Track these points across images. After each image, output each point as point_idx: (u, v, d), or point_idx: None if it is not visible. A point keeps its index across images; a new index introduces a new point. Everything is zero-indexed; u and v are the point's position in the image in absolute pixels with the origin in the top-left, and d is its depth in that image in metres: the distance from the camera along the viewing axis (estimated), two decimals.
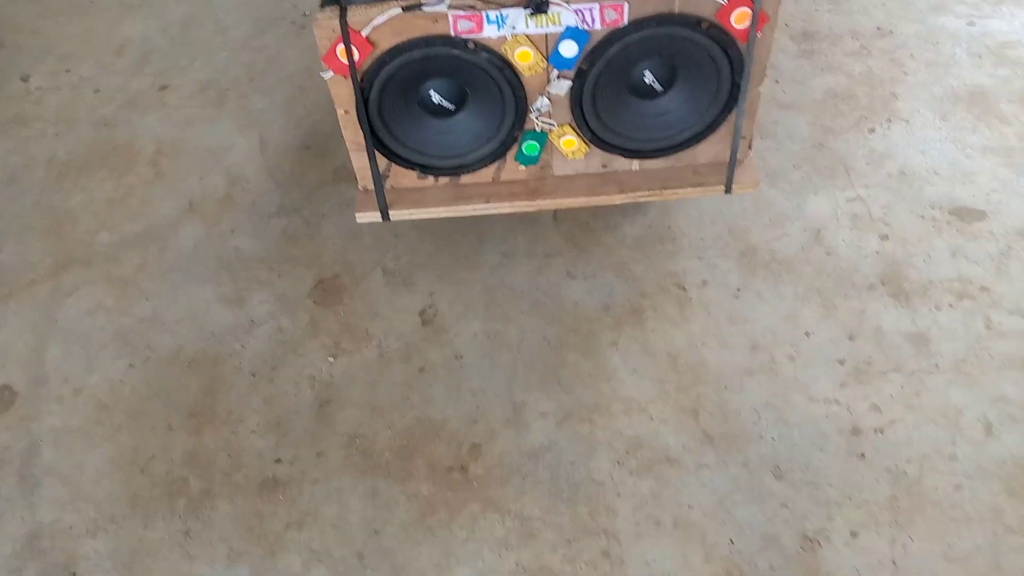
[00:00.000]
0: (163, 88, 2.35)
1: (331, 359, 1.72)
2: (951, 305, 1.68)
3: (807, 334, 1.66)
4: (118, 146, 2.21)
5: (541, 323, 1.74)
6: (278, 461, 1.59)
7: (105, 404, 1.71)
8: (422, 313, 1.78)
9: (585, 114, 1.62)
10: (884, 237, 1.81)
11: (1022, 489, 1.44)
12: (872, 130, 2.03)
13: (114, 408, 1.70)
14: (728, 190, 1.70)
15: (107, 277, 1.92)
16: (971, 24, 2.28)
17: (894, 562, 1.38)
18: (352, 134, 1.63)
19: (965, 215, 1.83)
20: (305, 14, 2.53)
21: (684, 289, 1.76)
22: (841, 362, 1.61)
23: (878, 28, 2.30)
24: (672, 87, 1.61)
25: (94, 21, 2.59)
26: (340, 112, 1.60)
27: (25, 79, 2.42)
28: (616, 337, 1.70)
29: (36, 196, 2.11)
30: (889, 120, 2.05)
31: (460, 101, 1.62)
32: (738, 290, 1.75)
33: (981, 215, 1.83)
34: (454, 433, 1.59)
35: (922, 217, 1.84)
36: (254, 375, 1.72)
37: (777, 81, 2.17)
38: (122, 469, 1.62)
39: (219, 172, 2.11)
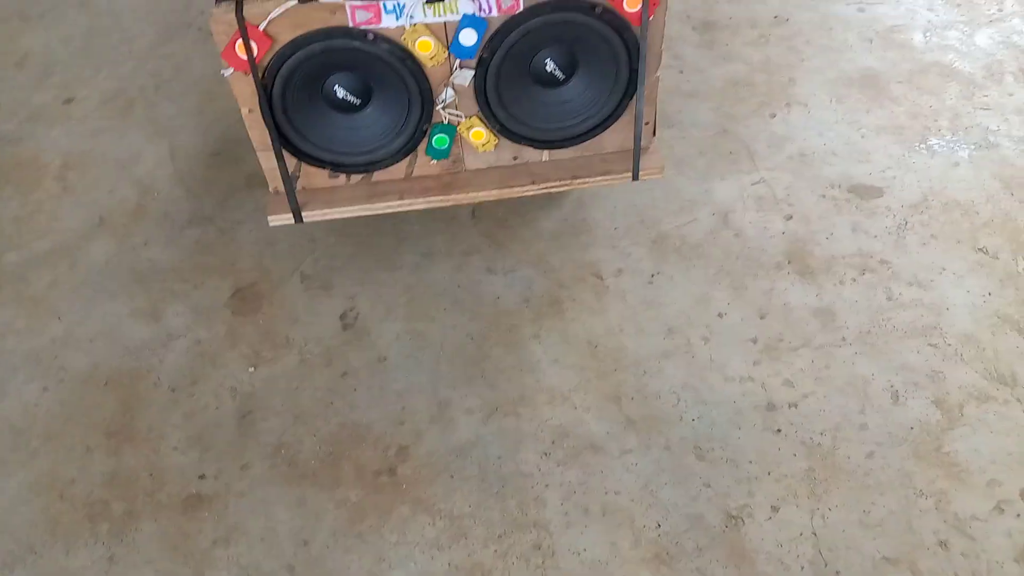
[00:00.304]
0: (68, 101, 2.20)
1: (251, 369, 1.63)
2: (854, 280, 1.68)
3: (720, 315, 1.64)
4: (22, 161, 2.07)
5: (463, 320, 1.68)
6: (202, 477, 1.50)
7: (19, 429, 1.59)
8: (343, 317, 1.70)
9: (491, 104, 1.56)
10: (788, 217, 1.80)
11: (928, 453, 1.44)
12: (773, 115, 2.02)
13: (29, 432, 1.58)
14: (635, 177, 1.66)
15: (16, 298, 1.79)
16: (861, 11, 2.29)
17: (814, 533, 1.37)
18: (258, 134, 1.54)
19: (863, 192, 1.83)
20: None
21: (601, 278, 1.73)
22: (753, 341, 1.60)
23: (775, 17, 2.29)
24: (574, 75, 1.57)
25: None
26: (244, 111, 1.51)
27: None
28: (537, 329, 1.65)
29: None
30: (788, 105, 2.04)
31: (366, 95, 1.55)
32: (652, 276, 1.72)
33: (878, 192, 1.83)
34: (380, 436, 1.52)
35: (823, 196, 1.83)
36: (173, 390, 1.62)
37: (681, 72, 2.14)
38: (40, 495, 1.50)
39: (129, 183, 1.99)
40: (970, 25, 2.23)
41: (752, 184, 1.87)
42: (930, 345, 1.57)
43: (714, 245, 1.77)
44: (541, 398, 1.55)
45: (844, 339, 1.59)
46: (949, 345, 1.57)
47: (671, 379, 1.56)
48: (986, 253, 1.70)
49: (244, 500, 1.47)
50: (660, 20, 1.48)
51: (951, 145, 1.92)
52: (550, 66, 1.54)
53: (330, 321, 1.70)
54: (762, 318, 1.63)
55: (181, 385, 1.63)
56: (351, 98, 1.54)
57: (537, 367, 1.59)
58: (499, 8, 1.42)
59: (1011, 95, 2.03)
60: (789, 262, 1.72)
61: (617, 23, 1.46)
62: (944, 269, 1.68)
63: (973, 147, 1.91)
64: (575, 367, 1.59)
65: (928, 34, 2.21)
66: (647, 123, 1.63)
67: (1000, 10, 2.26)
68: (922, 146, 1.92)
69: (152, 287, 1.78)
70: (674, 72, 2.14)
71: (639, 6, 1.44)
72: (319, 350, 1.65)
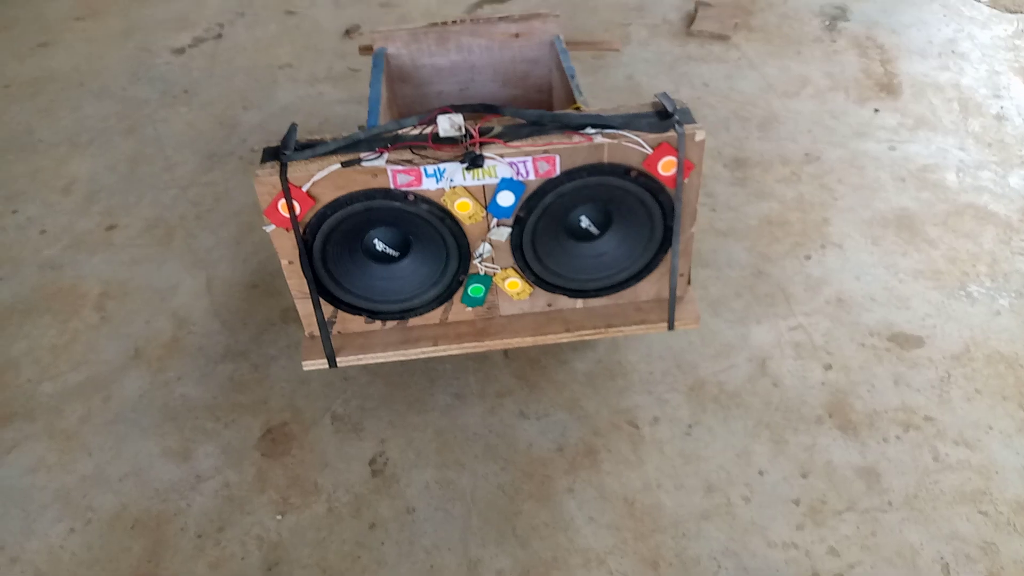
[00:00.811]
0: (110, 228, 2.25)
1: (279, 516, 1.60)
2: (898, 437, 1.62)
3: (760, 472, 1.59)
4: (63, 288, 2.09)
5: (495, 468, 1.64)
6: None
7: (44, 573, 1.55)
8: (372, 462, 1.67)
9: (526, 258, 1.56)
10: (828, 367, 1.76)
11: None
12: (808, 256, 2.01)
13: None
14: (671, 327, 1.64)
15: (49, 431, 1.78)
16: (892, 149, 2.30)
17: None
18: (296, 283, 1.55)
19: (903, 341, 1.80)
20: (253, 149, 2.47)
21: (636, 427, 1.68)
22: (796, 502, 1.54)
23: (806, 154, 2.31)
24: (608, 230, 1.57)
25: (42, 159, 2.50)
26: (284, 263, 1.52)
27: None
28: (571, 482, 1.60)
29: None
30: (823, 246, 2.03)
31: (404, 248, 1.56)
32: (689, 426, 1.68)
33: (919, 341, 1.79)
34: None
35: (863, 345, 1.80)
36: (200, 536, 1.58)
37: (714, 210, 2.15)
38: None
39: (165, 314, 2.00)
40: (1002, 166, 2.22)
41: (789, 329, 1.85)
42: (980, 512, 1.50)
43: (753, 394, 1.73)
44: (575, 560, 1.49)
45: (890, 503, 1.52)
46: (1000, 513, 1.50)
47: (711, 543, 1.49)
48: None
49: None
50: (695, 182, 1.48)
51: (991, 292, 1.89)
52: (585, 222, 1.55)
53: (359, 467, 1.66)
54: (804, 477, 1.57)
55: (208, 531, 1.59)
56: (390, 251, 1.55)
57: (571, 525, 1.54)
58: (536, 173, 1.44)
59: None
60: (830, 415, 1.67)
61: (652, 186, 1.46)
62: (991, 428, 1.62)
63: (1014, 295, 1.87)
64: (611, 526, 1.53)
65: (961, 174, 2.21)
66: (682, 275, 1.62)
67: None
68: (961, 293, 1.89)
69: (184, 425, 1.76)
70: (707, 210, 2.15)
71: (673, 170, 1.45)
72: (348, 498, 1.62)
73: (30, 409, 1.82)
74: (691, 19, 2.90)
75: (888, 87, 2.54)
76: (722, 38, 2.79)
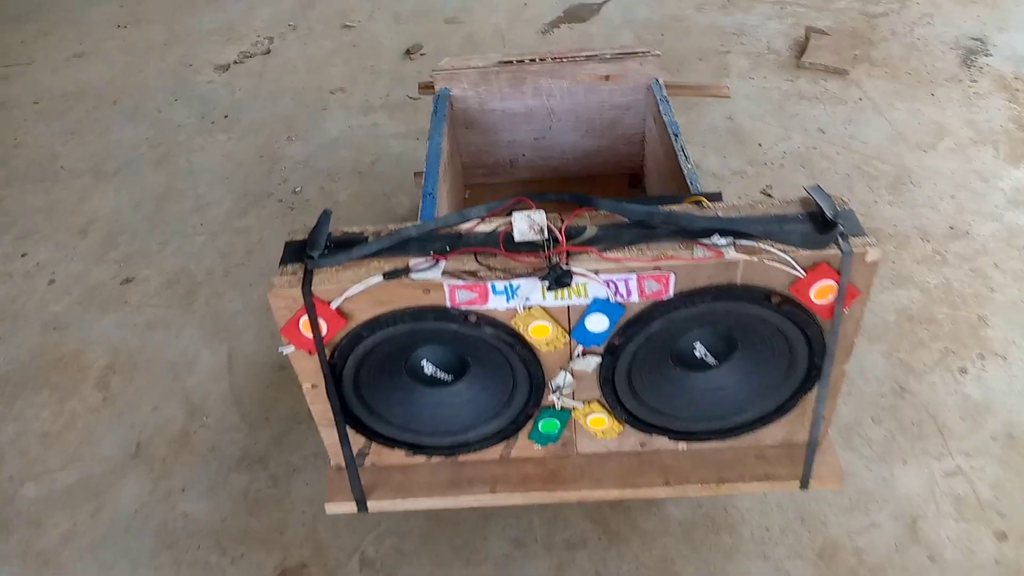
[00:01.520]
0: (126, 281, 1.90)
1: None
2: None
3: None
4: (65, 356, 1.75)
5: None
6: None
7: None
8: None
9: (618, 392, 1.15)
10: (1001, 536, 1.30)
11: None
12: (963, 370, 1.54)
13: None
14: (804, 485, 1.21)
15: (24, 551, 1.43)
16: None
17: None
18: (321, 409, 1.16)
19: None
20: (295, 190, 2.09)
21: None
22: None
23: (951, 227, 1.83)
24: (730, 359, 1.14)
25: (62, 191, 2.16)
26: (306, 386, 1.13)
27: None
28: None
29: None
30: (982, 356, 1.56)
31: (460, 371, 1.16)
32: None
33: None
34: None
35: None
36: None
37: None
38: None
39: (177, 398, 1.63)
40: None
41: (945, 475, 1.39)
42: None
43: (902, 569, 1.28)
44: None
45: None
46: None
47: None
48: None
49: None
50: (858, 312, 1.04)
51: None
52: (700, 351, 1.12)
53: None
54: None
55: None
56: (441, 374, 1.15)
57: None
58: (641, 294, 1.02)
59: None
60: None
61: (799, 317, 1.03)
62: None
63: None
64: None
65: None
66: (823, 418, 1.18)
67: None
68: None
69: (182, 556, 1.39)
70: None
71: (831, 297, 1.01)
72: None
73: (6, 519, 1.47)
74: (802, 48, 2.42)
75: None
76: (839, 72, 2.31)
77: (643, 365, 1.14)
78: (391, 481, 1.27)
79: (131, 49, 2.69)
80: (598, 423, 1.21)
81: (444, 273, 1.02)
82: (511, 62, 1.64)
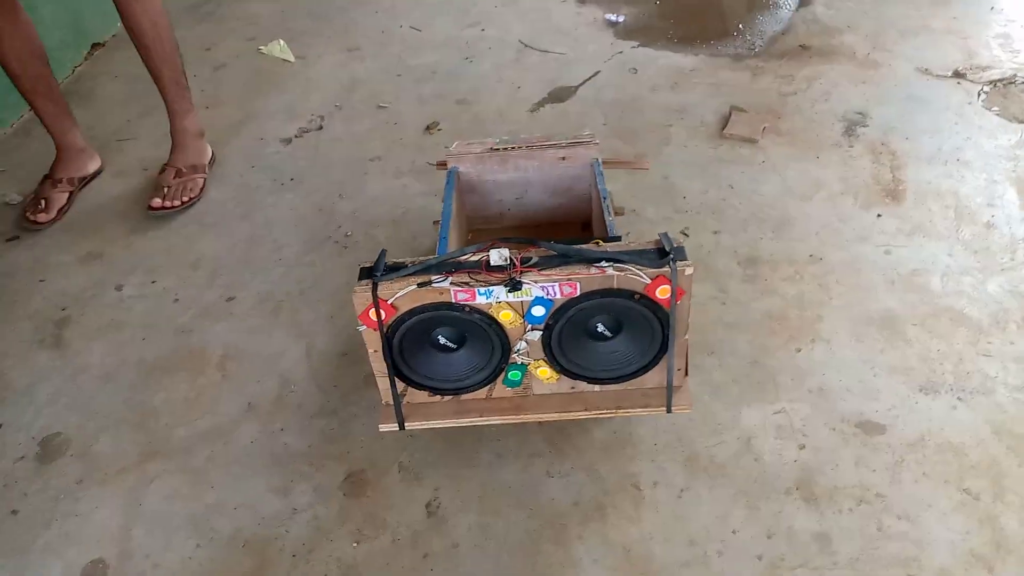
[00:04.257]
0: (229, 299, 2.84)
1: (355, 544, 2.11)
2: (851, 509, 2.03)
3: (734, 532, 2.02)
4: (193, 351, 2.68)
5: (523, 516, 2.11)
6: None
7: None
8: (428, 505, 2.17)
9: (554, 353, 2.05)
10: (802, 447, 2.18)
11: None
12: (799, 350, 2.43)
13: None
14: (668, 410, 2.09)
15: (182, 468, 2.34)
16: (888, 253, 2.70)
17: None
18: (378, 366, 2.07)
19: (869, 429, 2.20)
20: (347, 234, 3.03)
21: (639, 489, 2.14)
22: (759, 557, 1.96)
23: (811, 255, 2.73)
24: (620, 334, 2.04)
25: (176, 238, 3.12)
26: (370, 351, 2.04)
27: (119, 288, 2.93)
28: (582, 531, 2.07)
29: (127, 394, 2.56)
30: (813, 341, 2.45)
31: (461, 342, 2.06)
32: (682, 491, 2.12)
33: (881, 429, 2.20)
34: None
35: (833, 430, 2.21)
36: (294, 556, 2.10)
37: (724, 304, 2.59)
38: None
39: (273, 376, 2.56)
40: (983, 272, 2.60)
41: (774, 413, 2.27)
42: (909, 575, 1.89)
43: (737, 467, 2.16)
44: None
45: (835, 563, 1.93)
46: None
47: None
48: (969, 494, 2.03)
49: None
50: (685, 304, 1.94)
51: (952, 389, 2.27)
52: (600, 328, 2.02)
53: (418, 508, 2.16)
54: (769, 538, 2.00)
55: (300, 553, 2.11)
56: (450, 344, 2.06)
57: (579, 564, 2.00)
58: (562, 294, 1.92)
59: (1012, 343, 2.37)
60: (797, 488, 2.09)
61: (651, 306, 1.93)
62: (931, 506, 2.02)
63: (970, 392, 2.25)
64: (611, 568, 1.98)
65: (945, 279, 2.59)
66: (679, 369, 2.07)
67: (1012, 259, 2.63)
68: (926, 388, 2.28)
69: (285, 468, 2.30)
70: (718, 304, 2.59)
71: (668, 295, 1.91)
72: (408, 533, 2.11)
73: (168, 450, 2.39)
74: (725, 122, 3.35)
75: (893, 193, 2.94)
76: (751, 141, 3.23)
77: (568, 337, 2.04)
78: (419, 412, 2.17)
79: (213, 127, 3.67)
80: (544, 373, 2.11)
81: (451, 283, 1.94)
82: (499, 150, 2.57)
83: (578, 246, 2.00)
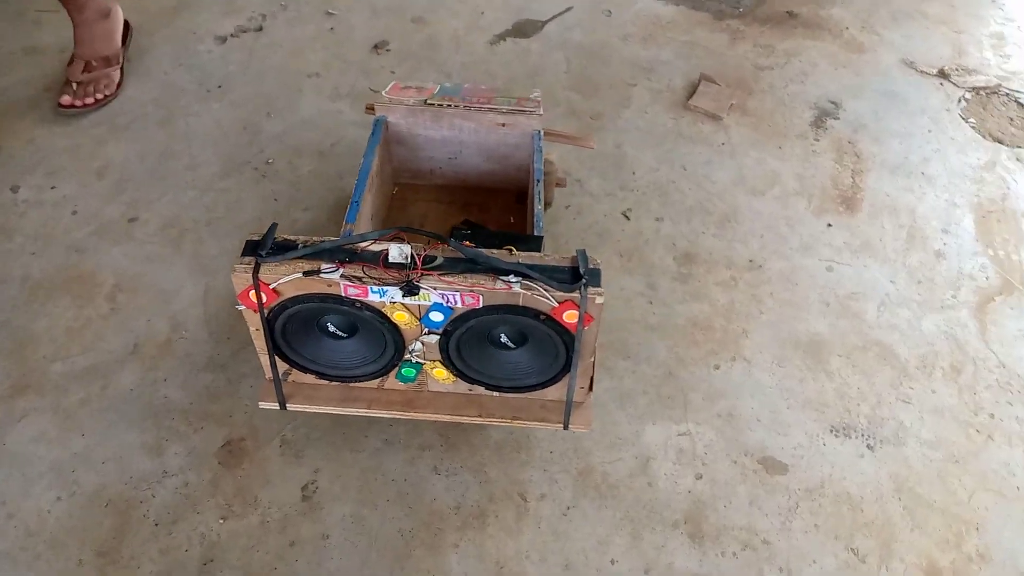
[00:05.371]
0: (132, 220, 2.60)
1: (221, 520, 1.99)
2: (735, 553, 1.96)
3: (612, 561, 1.94)
4: (83, 274, 2.46)
5: (400, 513, 2.01)
6: None
7: (32, 531, 1.97)
8: (304, 488, 2.04)
9: (451, 358, 1.89)
10: (699, 476, 2.09)
11: None
12: (717, 366, 2.30)
13: (38, 536, 1.96)
14: (565, 427, 1.97)
15: (54, 407, 2.17)
16: (829, 269, 2.55)
17: None
18: (260, 344, 1.89)
19: (770, 466, 2.11)
20: (268, 161, 2.78)
21: (525, 500, 2.04)
22: None
23: (751, 260, 2.57)
24: (523, 345, 1.89)
25: (84, 138, 2.83)
26: (252, 329, 1.86)
27: (15, 189, 2.67)
28: (458, 539, 1.97)
29: (7, 314, 2.36)
30: (734, 359, 2.32)
31: (351, 331, 1.89)
32: (568, 508, 2.02)
33: (783, 468, 2.11)
34: None
35: (735, 462, 2.11)
36: (157, 524, 1.98)
37: (651, 302, 2.44)
38: None
39: (165, 317, 2.36)
40: (922, 307, 2.47)
41: (678, 435, 2.16)
42: None
43: (629, 489, 2.06)
44: None
45: None
46: None
47: None
48: (856, 554, 1.96)
49: None
50: (593, 330, 1.78)
51: (864, 435, 2.18)
52: (503, 338, 1.86)
53: (293, 489, 2.04)
54: (646, 573, 1.92)
55: (164, 521, 1.99)
56: (339, 332, 1.88)
57: (449, 574, 1.91)
58: (463, 303, 1.75)
59: (934, 392, 2.27)
60: (686, 522, 2.01)
61: (557, 327, 1.77)
62: (815, 562, 1.95)
63: (880, 442, 2.16)
64: None
65: (882, 308, 2.46)
66: (581, 387, 1.94)
67: (954, 296, 2.50)
68: (837, 430, 2.18)
69: (161, 423, 2.15)
70: (645, 302, 2.43)
71: (575, 320, 1.74)
72: (278, 516, 2.00)
73: (41, 385, 2.21)
74: (692, 91, 3.11)
75: (849, 201, 2.76)
76: (714, 118, 3.00)
77: (467, 343, 1.88)
78: (303, 392, 2.02)
79: (143, 10, 3.30)
80: (440, 374, 1.96)
81: (342, 276, 1.74)
82: (433, 104, 2.32)
83: (489, 251, 1.80)
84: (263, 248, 1.76)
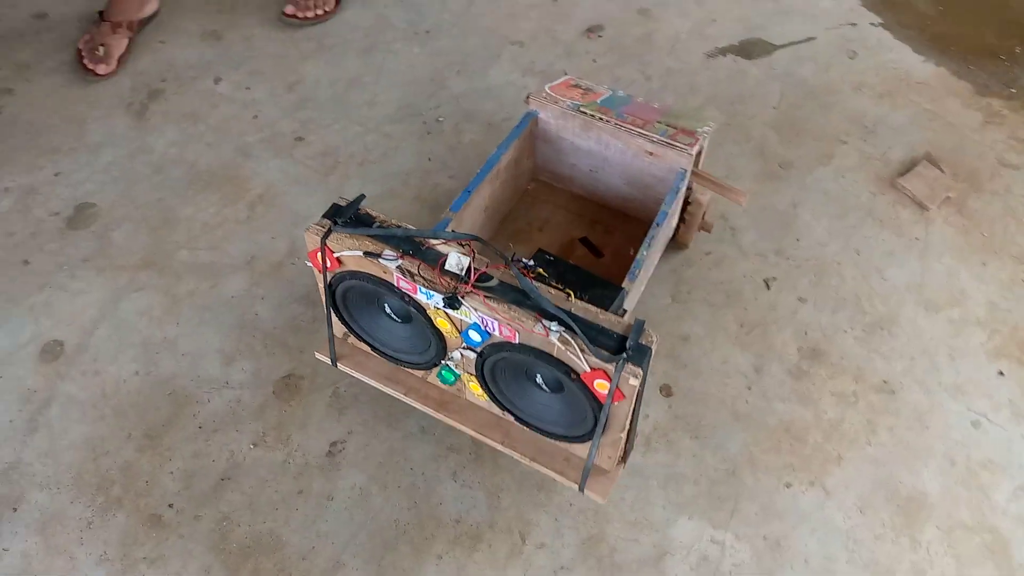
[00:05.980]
0: (298, 139, 2.74)
1: (252, 445, 2.10)
2: None
3: None
4: (239, 176, 2.65)
5: (404, 504, 2.01)
6: (170, 505, 2.02)
7: (107, 393, 2.20)
8: (333, 445, 2.10)
9: (485, 379, 1.83)
10: None
11: None
12: (789, 484, 2.05)
13: (109, 400, 2.18)
14: (581, 489, 1.85)
15: (166, 290, 2.39)
16: (975, 424, 2.15)
17: None
18: (324, 300, 1.94)
19: None
20: (439, 119, 2.80)
21: (524, 541, 1.96)
22: None
23: (885, 381, 2.23)
24: (557, 392, 1.78)
25: (291, 48, 3.01)
26: (319, 286, 1.91)
27: (217, 81, 2.90)
28: (446, 551, 1.94)
29: (164, 193, 2.60)
30: (812, 483, 2.05)
31: (406, 319, 1.89)
32: (561, 568, 1.92)
33: None
34: (284, 560, 1.93)
35: None
36: (200, 427, 2.13)
37: (749, 388, 2.20)
38: (86, 450, 2.10)
39: (287, 239, 2.49)
40: None
41: (711, 540, 1.96)
42: None
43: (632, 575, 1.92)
44: None
45: None
46: None
47: None
48: None
49: (181, 542, 1.96)
50: (624, 408, 1.63)
51: None
52: (539, 379, 1.77)
53: (323, 443, 2.11)
54: None
55: (207, 427, 2.13)
56: (394, 316, 1.88)
57: None
58: (500, 333, 1.67)
59: None
60: None
61: (587, 393, 1.64)
62: None
63: None
64: None
65: (1019, 492, 2.05)
66: (609, 457, 1.80)
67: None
68: None
69: (243, 337, 2.29)
70: (742, 385, 2.20)
71: (606, 391, 1.61)
72: (300, 462, 2.08)
73: (164, 266, 2.43)
74: (907, 169, 2.71)
75: None
76: (920, 206, 2.60)
77: (503, 370, 1.80)
78: (355, 357, 2.05)
79: None
80: (475, 388, 1.90)
81: (398, 267, 1.72)
82: (584, 113, 2.20)
83: (549, 289, 1.70)
84: (342, 216, 1.79)
